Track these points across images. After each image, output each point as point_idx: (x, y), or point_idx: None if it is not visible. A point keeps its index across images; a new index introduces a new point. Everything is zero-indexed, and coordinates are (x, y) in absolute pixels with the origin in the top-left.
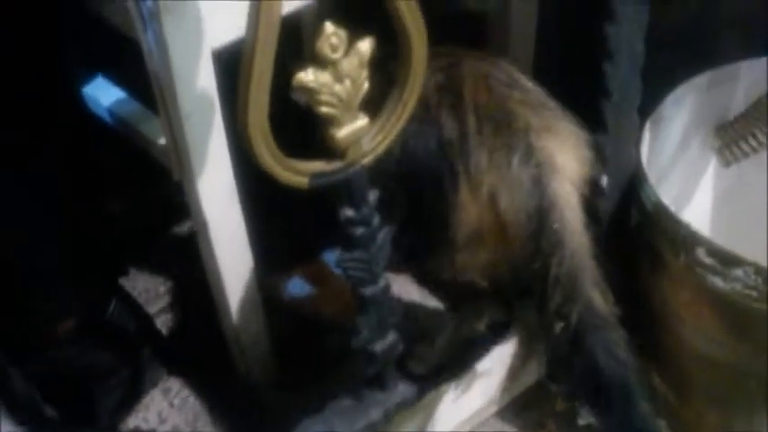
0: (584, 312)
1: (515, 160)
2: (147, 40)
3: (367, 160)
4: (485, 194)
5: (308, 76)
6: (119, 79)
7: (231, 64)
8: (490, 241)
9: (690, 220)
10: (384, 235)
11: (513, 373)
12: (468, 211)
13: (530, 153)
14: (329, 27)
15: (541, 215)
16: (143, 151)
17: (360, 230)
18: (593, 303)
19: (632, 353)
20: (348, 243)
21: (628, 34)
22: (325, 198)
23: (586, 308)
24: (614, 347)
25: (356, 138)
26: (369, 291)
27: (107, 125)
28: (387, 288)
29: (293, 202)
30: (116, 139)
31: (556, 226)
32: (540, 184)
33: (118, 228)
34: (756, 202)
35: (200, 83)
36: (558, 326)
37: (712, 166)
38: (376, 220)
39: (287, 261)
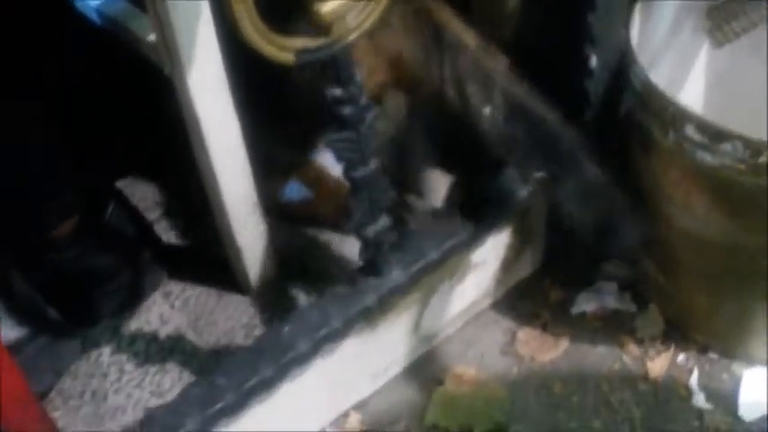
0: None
1: None
2: None
3: (353, 37)
4: None
5: None
6: None
7: None
8: None
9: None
10: (372, 115)
11: (508, 265)
12: None
13: None
14: None
15: None
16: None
17: (347, 109)
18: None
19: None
20: (337, 123)
21: None
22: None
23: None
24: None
25: (341, 13)
26: (359, 172)
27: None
28: (377, 170)
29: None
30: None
31: None
32: None
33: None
34: (749, 86)
35: None
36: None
37: (705, 49)
38: (363, 98)
39: (284, 167)
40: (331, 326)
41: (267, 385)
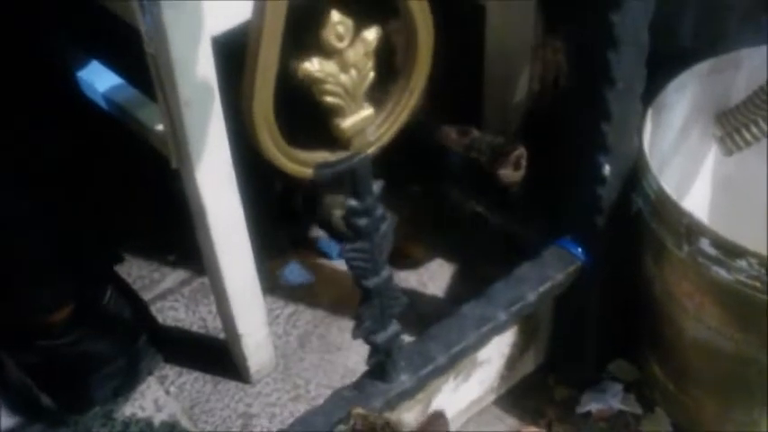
0: None
1: None
2: (145, 26)
3: (372, 150)
4: None
5: (313, 65)
6: (115, 64)
7: (231, 50)
8: None
9: (689, 208)
10: (387, 225)
11: (512, 363)
12: None
13: None
14: (335, 15)
15: None
16: (137, 139)
17: (363, 221)
18: None
19: None
20: (351, 234)
21: (633, 22)
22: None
23: None
24: None
25: (361, 127)
26: (371, 282)
27: (101, 111)
28: (389, 278)
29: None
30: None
31: None
32: None
33: (113, 215)
34: (755, 190)
35: (199, 70)
36: None
37: (712, 153)
38: (379, 210)
39: (283, 247)
40: None
41: None
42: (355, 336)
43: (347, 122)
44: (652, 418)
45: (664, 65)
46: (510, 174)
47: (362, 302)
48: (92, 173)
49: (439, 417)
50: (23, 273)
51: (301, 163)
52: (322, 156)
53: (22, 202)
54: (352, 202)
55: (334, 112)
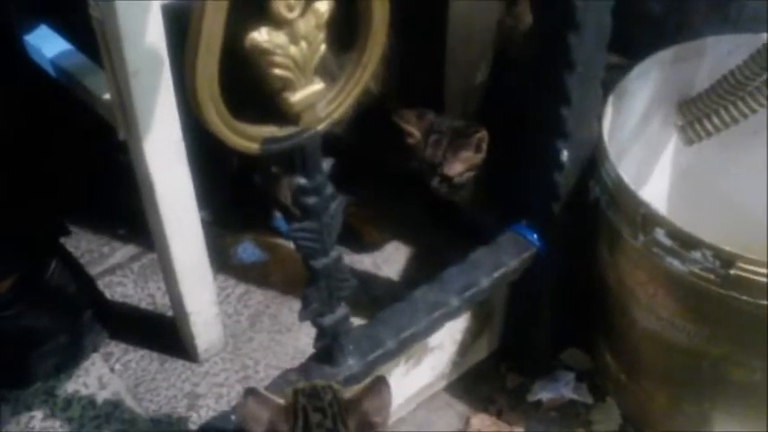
0: None
1: None
2: None
3: (322, 126)
4: None
5: (261, 35)
6: (64, 29)
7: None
8: None
9: (648, 197)
10: (337, 205)
11: (464, 349)
12: None
13: None
14: None
15: None
16: (85, 105)
17: (312, 200)
18: None
19: None
20: (299, 212)
21: (595, 6)
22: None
23: None
24: None
25: (311, 102)
26: (320, 263)
27: (49, 78)
28: (338, 260)
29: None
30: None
31: None
32: None
33: (59, 186)
34: (714, 181)
35: (148, 38)
36: None
37: (672, 142)
38: (329, 189)
39: (236, 225)
40: None
41: None
42: (302, 318)
43: (296, 97)
44: (602, 408)
45: (627, 51)
46: (471, 156)
47: (310, 284)
48: (40, 142)
49: (381, 381)
50: None
51: (248, 138)
52: (270, 131)
53: None
54: (301, 180)
55: (283, 85)
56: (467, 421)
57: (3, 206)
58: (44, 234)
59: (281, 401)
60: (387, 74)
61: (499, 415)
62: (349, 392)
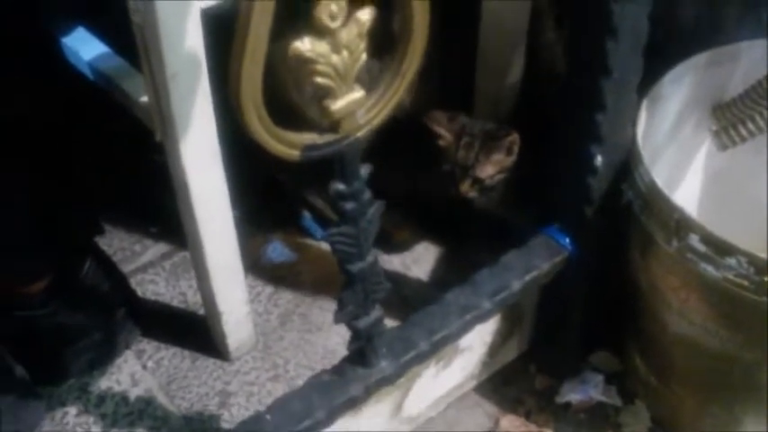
0: None
1: None
2: None
3: (361, 133)
4: None
5: (304, 45)
6: (101, 32)
7: (220, 23)
8: None
9: (680, 201)
10: (374, 210)
11: (494, 350)
12: None
13: None
14: None
15: None
16: (122, 109)
17: (350, 205)
18: None
19: None
20: (337, 217)
21: (632, 11)
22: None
23: None
24: None
25: (351, 110)
26: (356, 267)
27: (86, 80)
28: (374, 263)
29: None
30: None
31: None
32: None
33: (93, 186)
34: (747, 186)
35: (187, 42)
36: None
37: (705, 146)
38: (366, 194)
39: (266, 225)
40: (314, 417)
41: None
42: (337, 320)
43: (337, 105)
44: (631, 410)
45: (661, 56)
46: (502, 159)
47: (346, 287)
48: (75, 143)
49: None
50: (2, 243)
51: (289, 144)
52: (310, 138)
53: (1, 171)
54: (339, 186)
55: (324, 93)
56: (496, 421)
57: (40, 207)
58: (79, 234)
59: None
60: (421, 84)
61: (528, 416)
62: None
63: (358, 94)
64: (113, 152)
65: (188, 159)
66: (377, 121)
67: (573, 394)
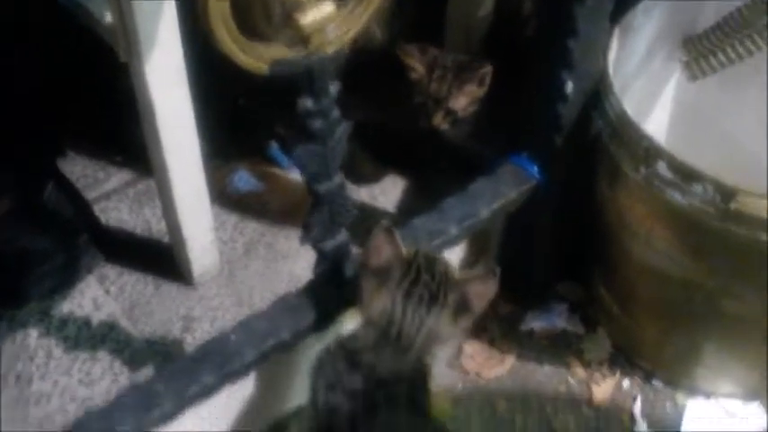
0: None
1: None
2: None
3: (331, 49)
4: None
5: None
6: None
7: None
8: None
9: (648, 133)
10: (342, 129)
11: None
12: None
13: None
14: None
15: None
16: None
17: (318, 123)
18: None
19: None
20: (305, 135)
21: None
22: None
23: None
24: None
25: (321, 25)
26: (323, 187)
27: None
28: (341, 185)
29: (242, 90)
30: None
31: None
32: None
33: (56, 109)
34: (713, 119)
35: None
36: None
37: (675, 79)
38: (335, 112)
39: (233, 153)
40: (280, 337)
41: (207, 392)
42: (303, 242)
43: (307, 18)
44: (594, 338)
45: None
46: (474, 90)
47: (312, 208)
48: (39, 64)
49: (491, 274)
50: None
51: (257, 58)
52: (279, 51)
53: None
54: (308, 103)
55: (293, 6)
56: (460, 348)
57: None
58: (40, 155)
59: (404, 251)
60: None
61: (491, 342)
62: (460, 274)
63: (328, 7)
64: (77, 76)
65: (153, 80)
66: (347, 38)
67: (537, 322)
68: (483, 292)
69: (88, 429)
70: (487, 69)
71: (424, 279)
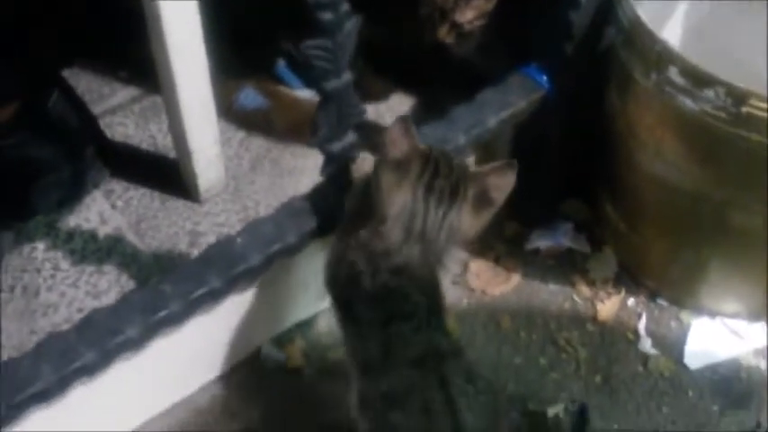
0: None
1: None
2: None
3: None
4: None
5: None
6: None
7: None
8: None
9: None
10: (352, 24)
11: None
12: None
13: None
14: None
15: None
16: None
17: (327, 15)
18: None
19: None
20: (314, 29)
21: None
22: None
23: None
24: None
25: None
26: (331, 84)
27: None
28: (349, 83)
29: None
30: None
31: None
32: None
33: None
34: (726, 39)
35: None
36: None
37: None
38: (344, 6)
39: (239, 71)
40: (285, 241)
41: (213, 297)
42: (311, 143)
43: None
44: (599, 257)
45: None
46: (482, 4)
47: (320, 108)
48: None
49: (510, 166)
50: None
51: None
52: None
53: None
54: None
55: None
56: (465, 266)
57: (4, 31)
58: (45, 61)
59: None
60: None
61: (497, 261)
62: (478, 168)
63: None
64: None
65: None
66: None
67: (542, 240)
68: (502, 183)
69: (96, 327)
70: None
71: (443, 172)
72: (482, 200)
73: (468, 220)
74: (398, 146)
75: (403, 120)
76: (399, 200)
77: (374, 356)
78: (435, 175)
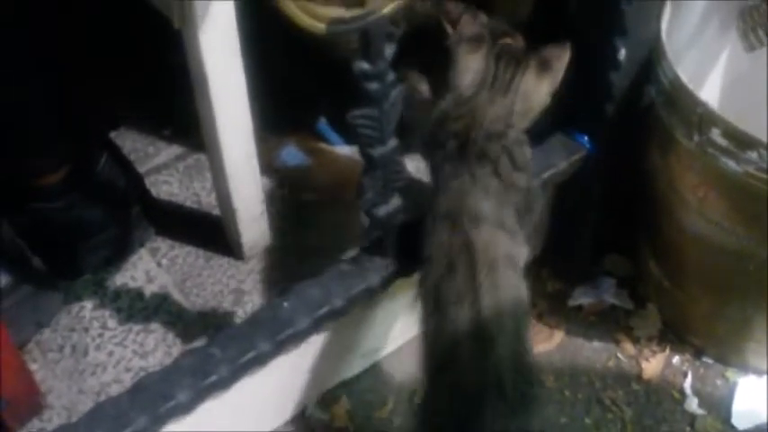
0: None
1: None
2: None
3: (388, 10)
4: None
5: None
6: None
7: None
8: None
9: None
10: (397, 93)
11: None
12: None
13: None
14: None
15: None
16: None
17: (373, 86)
18: None
19: None
20: (360, 98)
21: None
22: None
23: None
24: None
25: None
26: (377, 151)
27: None
28: (395, 149)
29: (292, 66)
30: None
31: None
32: None
33: (109, 81)
34: (764, 90)
35: None
36: None
37: (728, 49)
38: (390, 75)
39: (281, 128)
40: (333, 305)
41: (261, 360)
42: (360, 207)
43: None
44: (643, 314)
45: None
46: None
47: (365, 173)
48: (93, 35)
49: (566, 45)
50: (20, 132)
51: (315, 17)
52: (337, 12)
53: (22, 59)
54: (364, 65)
55: None
56: None
57: (56, 98)
58: (95, 127)
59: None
60: None
61: (539, 318)
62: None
63: None
64: (130, 50)
65: (207, 48)
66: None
67: (585, 297)
68: (559, 54)
69: (147, 392)
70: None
71: (508, 45)
72: (544, 66)
73: (533, 85)
74: (470, 27)
75: (472, 10)
76: (474, 65)
77: None
78: (502, 47)
